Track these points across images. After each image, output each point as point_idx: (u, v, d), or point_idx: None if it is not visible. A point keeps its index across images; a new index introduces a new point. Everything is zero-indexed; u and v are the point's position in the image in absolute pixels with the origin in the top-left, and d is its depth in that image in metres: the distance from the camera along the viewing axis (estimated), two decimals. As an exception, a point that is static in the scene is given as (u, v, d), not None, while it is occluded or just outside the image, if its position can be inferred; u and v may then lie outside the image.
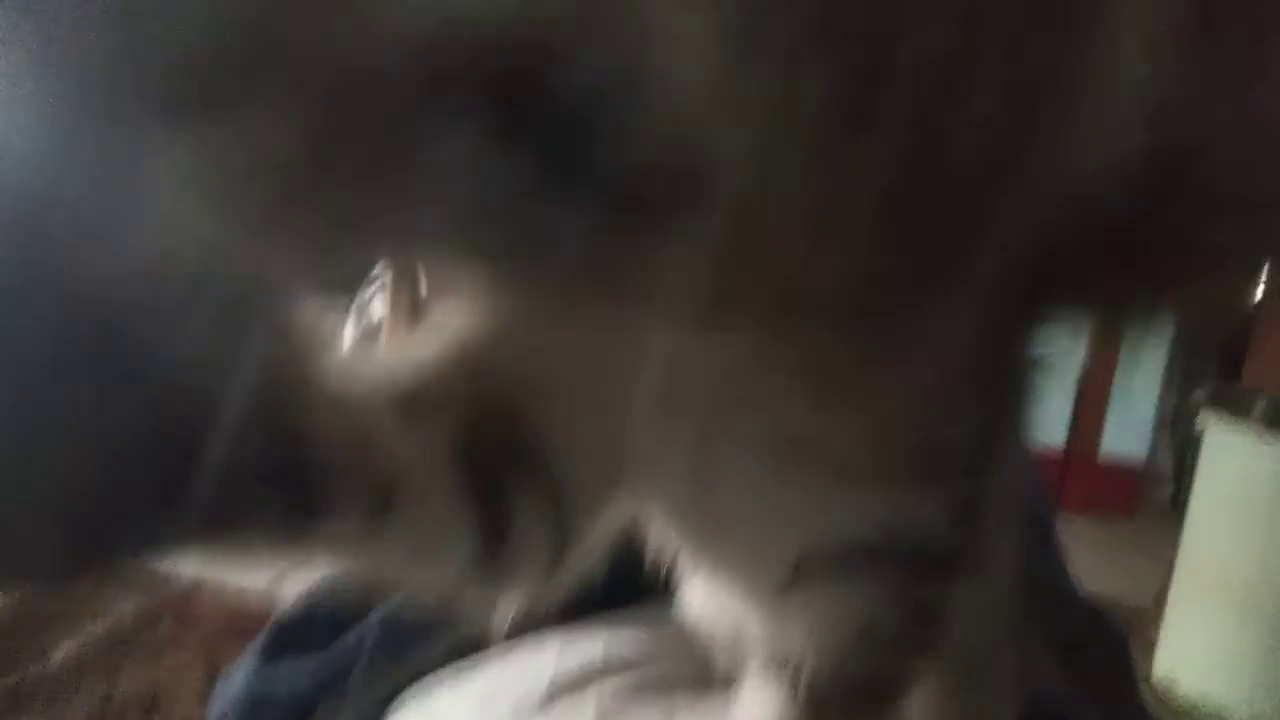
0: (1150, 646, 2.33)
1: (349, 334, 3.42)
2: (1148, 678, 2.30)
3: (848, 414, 0.26)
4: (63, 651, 1.67)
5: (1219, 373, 4.54)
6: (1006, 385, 0.33)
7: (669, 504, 0.32)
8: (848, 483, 0.27)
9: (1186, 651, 2.25)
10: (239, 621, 1.79)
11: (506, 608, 0.36)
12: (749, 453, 0.28)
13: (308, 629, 0.68)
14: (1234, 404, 2.19)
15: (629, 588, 0.62)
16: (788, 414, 0.27)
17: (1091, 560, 3.40)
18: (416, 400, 0.29)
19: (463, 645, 0.62)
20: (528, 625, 0.61)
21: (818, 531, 0.29)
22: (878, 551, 0.28)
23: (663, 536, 0.35)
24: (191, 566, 2.00)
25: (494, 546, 0.30)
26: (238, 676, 0.71)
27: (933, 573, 0.30)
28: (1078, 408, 4.13)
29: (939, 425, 0.29)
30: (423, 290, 3.11)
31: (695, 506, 0.31)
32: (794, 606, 0.30)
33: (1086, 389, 4.12)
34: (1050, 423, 4.08)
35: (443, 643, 0.62)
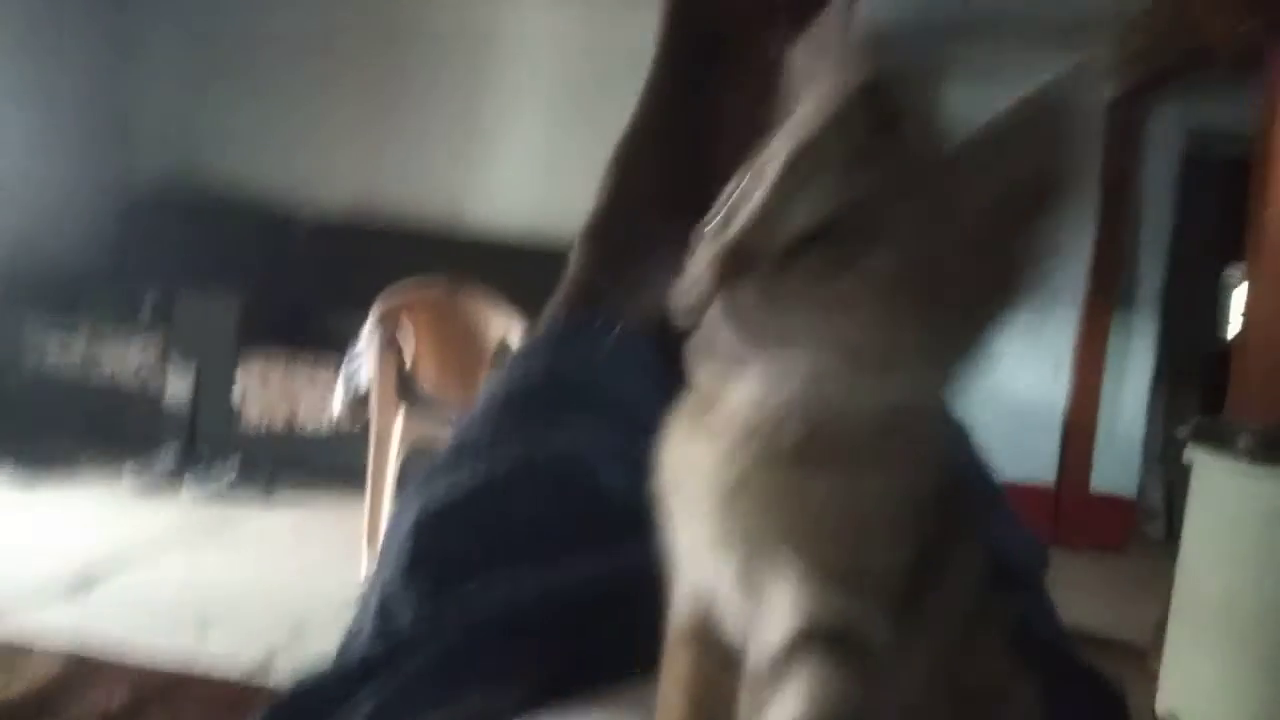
0: (1153, 679, 2.32)
1: (338, 402, 3.37)
2: (1152, 710, 2.28)
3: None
4: (52, 739, 1.63)
5: (1203, 408, 4.59)
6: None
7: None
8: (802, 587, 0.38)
9: (1189, 683, 2.24)
10: (226, 710, 1.76)
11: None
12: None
13: (296, 718, 0.68)
14: (1220, 438, 2.20)
15: (623, 663, 0.61)
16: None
17: (1088, 595, 3.42)
18: None
19: None
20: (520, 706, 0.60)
21: (794, 621, 0.38)
22: (832, 639, 0.38)
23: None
24: (177, 654, 1.97)
25: None
26: None
27: (868, 659, 0.38)
28: (1065, 446, 4.17)
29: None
30: (407, 360, 3.09)
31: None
32: (787, 674, 0.38)
33: (1073, 427, 4.17)
34: (1040, 461, 4.14)
35: None
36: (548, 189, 4.23)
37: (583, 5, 4.30)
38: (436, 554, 0.77)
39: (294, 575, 2.67)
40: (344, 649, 0.75)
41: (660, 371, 0.95)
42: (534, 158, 4.44)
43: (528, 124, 4.48)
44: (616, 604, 0.67)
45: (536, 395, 0.94)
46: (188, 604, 2.32)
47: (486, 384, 1.01)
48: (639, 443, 0.81)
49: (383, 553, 0.80)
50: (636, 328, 0.99)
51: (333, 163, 4.56)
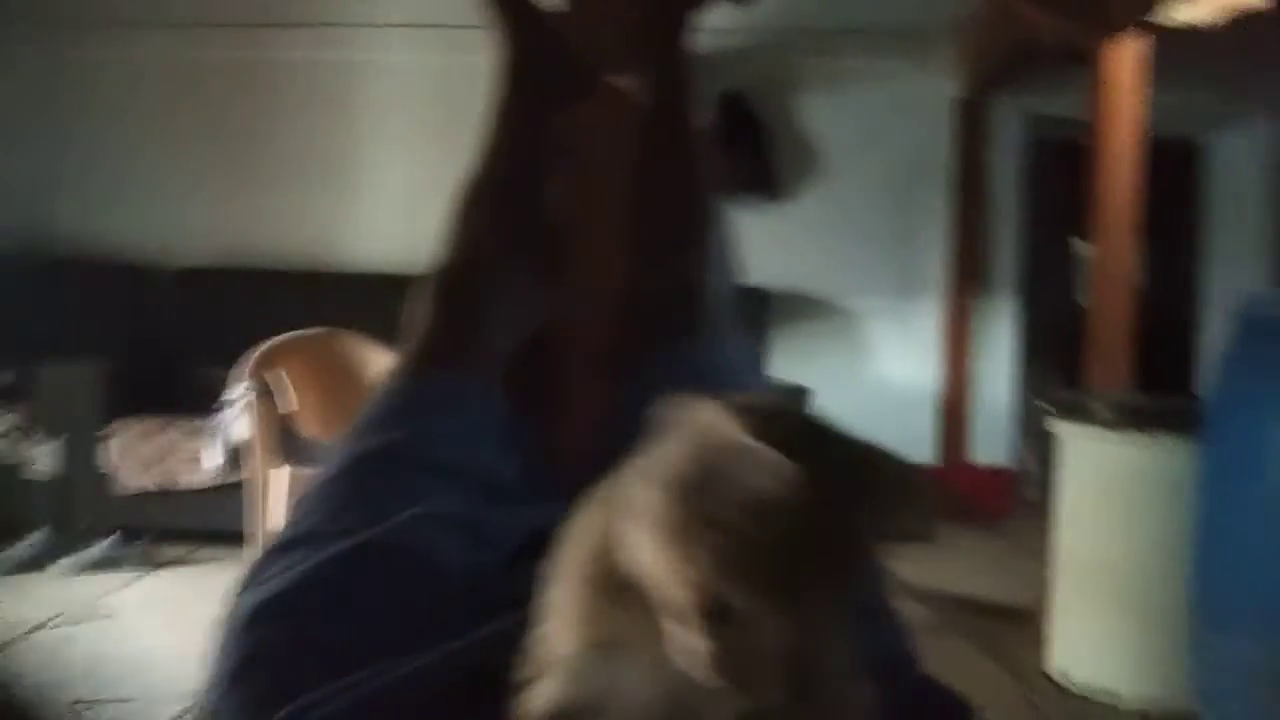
0: (1043, 640, 2.42)
1: (213, 456, 3.24)
2: (1044, 670, 2.38)
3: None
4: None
5: (1065, 375, 4.82)
6: None
7: None
8: None
9: (1075, 641, 2.34)
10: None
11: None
12: None
13: None
14: (1079, 408, 2.32)
15: None
16: None
17: (978, 564, 3.54)
18: None
19: None
20: None
21: None
22: None
23: None
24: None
25: None
26: None
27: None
28: (945, 425, 4.34)
29: None
30: (285, 408, 3.00)
31: None
32: None
33: (948, 406, 4.35)
34: (919, 442, 4.29)
35: None
36: (418, 222, 4.17)
37: (443, 39, 4.26)
38: (267, 652, 0.74)
39: (178, 646, 2.55)
40: None
41: (506, 432, 0.94)
42: (401, 191, 4.37)
43: (393, 157, 4.41)
44: (453, 691, 0.65)
45: (372, 470, 0.92)
46: (63, 686, 2.20)
47: (325, 458, 0.97)
48: (483, 508, 0.80)
49: (213, 653, 0.75)
50: (483, 388, 0.96)
51: (193, 210, 4.40)
